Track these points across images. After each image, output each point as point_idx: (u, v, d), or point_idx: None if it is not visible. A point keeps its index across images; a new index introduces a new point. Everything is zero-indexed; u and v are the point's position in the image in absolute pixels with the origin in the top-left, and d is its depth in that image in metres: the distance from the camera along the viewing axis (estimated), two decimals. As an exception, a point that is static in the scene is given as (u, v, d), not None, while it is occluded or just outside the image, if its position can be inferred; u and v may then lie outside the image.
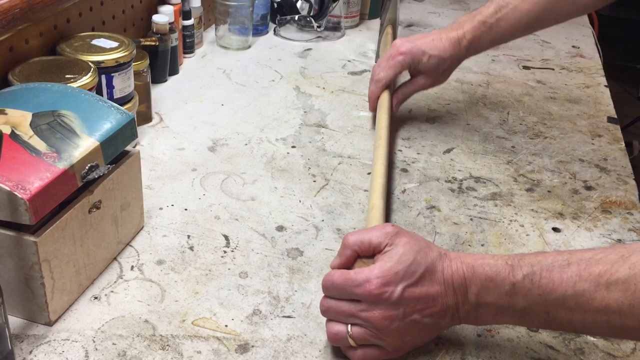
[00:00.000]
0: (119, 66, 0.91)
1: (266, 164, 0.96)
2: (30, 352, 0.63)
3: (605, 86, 1.31)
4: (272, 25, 1.48)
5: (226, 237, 0.80)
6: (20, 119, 0.67)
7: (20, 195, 0.59)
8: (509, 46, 1.48)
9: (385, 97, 1.06)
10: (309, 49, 1.40)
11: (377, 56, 1.34)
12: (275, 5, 1.47)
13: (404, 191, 0.92)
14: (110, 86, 0.92)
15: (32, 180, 0.61)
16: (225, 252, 0.78)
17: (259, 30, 1.44)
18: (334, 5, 1.44)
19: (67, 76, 0.83)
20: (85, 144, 0.67)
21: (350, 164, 0.98)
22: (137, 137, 0.77)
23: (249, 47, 1.37)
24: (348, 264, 0.64)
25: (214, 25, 1.39)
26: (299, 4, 1.46)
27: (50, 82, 0.78)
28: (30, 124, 0.67)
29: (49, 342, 0.64)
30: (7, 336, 0.56)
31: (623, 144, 1.09)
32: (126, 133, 0.73)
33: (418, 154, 1.02)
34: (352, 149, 1.02)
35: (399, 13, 1.44)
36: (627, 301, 0.53)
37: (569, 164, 1.02)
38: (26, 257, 0.62)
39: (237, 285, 0.73)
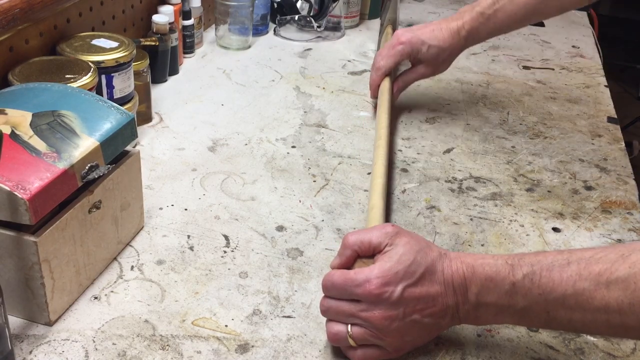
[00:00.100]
0: (119, 66, 0.91)
1: (266, 164, 0.96)
2: (30, 352, 0.63)
3: (605, 86, 1.31)
4: (272, 25, 1.48)
5: (226, 237, 0.80)
6: (20, 119, 0.67)
7: (20, 195, 0.59)
8: (509, 46, 1.48)
9: (386, 88, 1.07)
10: (309, 49, 1.40)
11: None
12: (275, 5, 1.47)
13: (404, 191, 0.92)
14: (110, 86, 0.92)
15: (32, 180, 0.61)
16: (225, 252, 0.78)
17: (259, 30, 1.44)
18: (334, 5, 1.44)
19: (67, 76, 0.83)
20: (85, 144, 0.67)
21: (350, 164, 0.98)
22: (137, 137, 0.77)
23: (249, 47, 1.37)
24: (348, 264, 0.64)
25: (214, 25, 1.39)
26: (299, 4, 1.46)
27: (50, 82, 0.78)
28: (30, 124, 0.67)
29: (49, 342, 0.64)
30: (7, 336, 0.56)
31: (623, 144, 1.09)
32: (126, 133, 0.73)
33: (418, 154, 1.02)
34: (352, 149, 1.02)
35: (399, 13, 1.44)
36: (627, 300, 0.53)
37: (569, 164, 1.02)
38: (26, 257, 0.62)
39: (237, 285, 0.73)
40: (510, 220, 0.87)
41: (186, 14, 1.23)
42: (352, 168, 0.97)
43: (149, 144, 0.99)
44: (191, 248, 0.78)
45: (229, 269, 0.75)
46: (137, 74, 0.99)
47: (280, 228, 0.83)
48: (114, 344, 0.64)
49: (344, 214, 0.86)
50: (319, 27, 1.44)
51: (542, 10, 1.05)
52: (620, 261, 0.54)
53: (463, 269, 0.61)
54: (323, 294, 0.64)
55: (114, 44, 0.94)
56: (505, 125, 1.13)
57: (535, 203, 0.91)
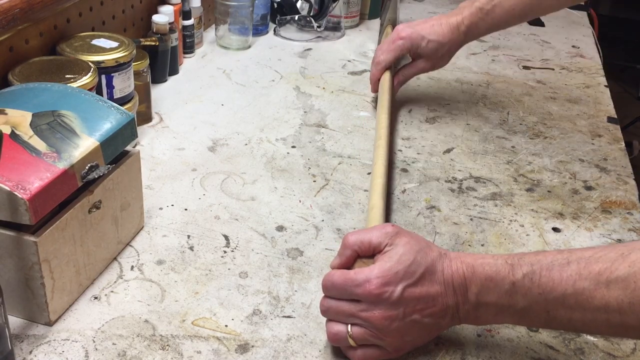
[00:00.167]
0: (119, 66, 0.91)
1: (266, 164, 0.96)
2: (30, 352, 0.63)
3: (605, 86, 1.31)
4: (272, 25, 1.48)
5: (226, 237, 0.80)
6: (20, 119, 0.67)
7: (20, 195, 0.59)
8: (509, 46, 1.48)
9: (386, 83, 1.08)
10: (309, 49, 1.40)
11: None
12: (275, 5, 1.47)
13: (404, 191, 0.92)
14: (110, 86, 0.92)
15: (32, 180, 0.61)
16: (225, 252, 0.78)
17: (259, 30, 1.44)
18: (334, 5, 1.44)
19: (67, 76, 0.83)
20: (85, 144, 0.67)
21: (350, 164, 0.98)
22: (137, 137, 0.77)
23: (249, 47, 1.37)
24: (348, 264, 0.64)
25: (214, 25, 1.39)
26: (299, 4, 1.46)
27: (50, 82, 0.78)
28: (30, 124, 0.67)
29: (49, 342, 0.64)
30: (7, 336, 0.56)
31: (623, 144, 1.09)
32: (126, 133, 0.73)
33: (418, 154, 1.02)
34: (352, 149, 1.02)
35: (399, 13, 1.44)
36: (627, 299, 0.53)
37: (569, 164, 1.02)
38: (26, 257, 0.62)
39: (237, 285, 0.73)
40: (510, 220, 0.87)
41: (186, 14, 1.23)
42: (352, 168, 0.97)
43: (149, 144, 0.99)
44: (191, 248, 0.78)
45: (229, 269, 0.75)
46: (137, 74, 0.99)
47: (280, 228, 0.83)
48: (114, 344, 0.64)
49: (344, 214, 0.86)
50: (319, 27, 1.44)
51: (539, 6, 1.07)
52: (620, 260, 0.54)
53: (463, 269, 0.61)
54: (323, 294, 0.64)
55: (114, 44, 0.94)
56: (505, 125, 1.13)
57: (535, 203, 0.91)
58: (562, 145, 1.07)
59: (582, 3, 1.09)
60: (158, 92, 1.14)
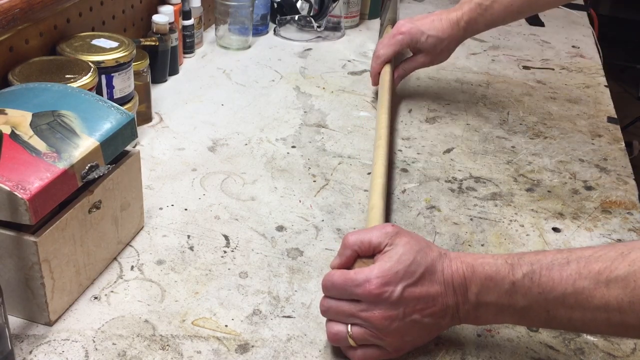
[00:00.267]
0: (119, 66, 0.91)
1: (266, 164, 0.96)
2: (30, 352, 0.63)
3: (605, 86, 1.31)
4: (272, 25, 1.48)
5: (226, 237, 0.80)
6: (20, 119, 0.67)
7: (20, 195, 0.59)
8: (509, 46, 1.48)
9: (386, 79, 1.09)
10: (309, 49, 1.40)
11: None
12: (275, 5, 1.47)
13: (404, 191, 0.92)
14: (110, 86, 0.92)
15: (32, 180, 0.61)
16: (225, 252, 0.78)
17: (259, 30, 1.44)
18: (334, 5, 1.44)
19: (67, 76, 0.83)
20: (85, 144, 0.67)
21: (350, 164, 0.98)
22: (137, 137, 0.77)
23: (249, 47, 1.37)
24: (348, 264, 0.64)
25: (214, 25, 1.39)
26: (299, 4, 1.46)
27: (50, 82, 0.78)
28: (30, 124, 0.67)
29: (49, 342, 0.64)
30: (7, 336, 0.56)
31: (623, 144, 1.09)
32: (126, 133, 0.73)
33: (418, 154, 1.02)
34: (352, 149, 1.02)
35: (399, 13, 1.44)
36: (627, 298, 0.53)
37: (569, 164, 1.02)
38: (26, 257, 0.62)
39: (237, 285, 0.73)
40: (510, 220, 0.87)
41: (186, 14, 1.23)
42: (352, 168, 0.97)
43: (149, 144, 0.99)
44: (191, 248, 0.78)
45: (229, 269, 0.75)
46: (137, 74, 0.99)
47: (280, 228, 0.83)
48: (114, 344, 0.64)
49: (344, 214, 0.86)
50: (319, 27, 1.44)
51: (536, 3, 1.08)
52: (619, 259, 0.54)
53: (463, 269, 0.61)
54: (323, 294, 0.64)
55: (114, 44, 0.94)
56: (505, 125, 1.13)
57: (535, 203, 0.91)
58: (562, 145, 1.07)
59: (592, 10, 1.10)
60: (158, 92, 1.14)
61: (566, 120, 1.15)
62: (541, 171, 0.99)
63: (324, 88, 1.22)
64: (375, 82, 1.15)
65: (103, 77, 0.91)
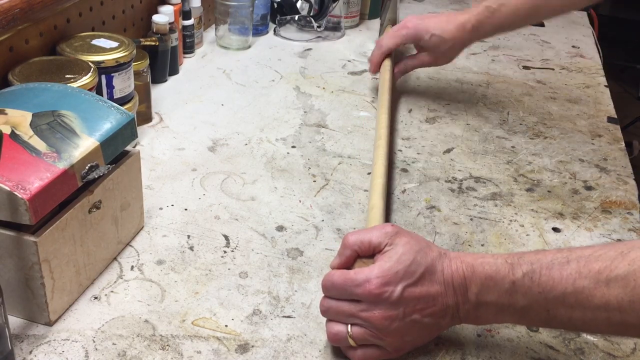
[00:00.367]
0: (119, 66, 0.91)
1: (266, 164, 0.96)
2: (30, 352, 0.63)
3: (605, 86, 1.31)
4: (272, 25, 1.48)
5: (226, 237, 0.80)
6: (20, 119, 0.67)
7: (20, 195, 0.59)
8: (509, 46, 1.48)
9: (386, 86, 1.09)
10: (309, 49, 1.40)
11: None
12: (275, 5, 1.47)
13: (404, 191, 0.92)
14: (110, 86, 0.92)
15: (32, 180, 0.61)
16: (225, 252, 0.78)
17: (259, 30, 1.44)
18: (334, 5, 1.44)
19: (67, 76, 0.83)
20: (85, 144, 0.67)
21: (350, 164, 0.98)
22: (137, 137, 0.77)
23: (249, 47, 1.37)
24: (348, 264, 0.64)
25: (214, 25, 1.39)
26: (299, 4, 1.46)
27: (50, 82, 0.78)
28: (30, 124, 0.67)
29: (49, 342, 0.64)
30: (7, 336, 0.56)
31: (623, 144, 1.09)
32: (126, 133, 0.73)
33: (418, 154, 1.02)
34: (352, 149, 1.02)
35: (399, 13, 1.44)
36: (627, 297, 0.53)
37: (569, 164, 1.02)
38: (26, 257, 0.62)
39: (237, 285, 0.73)
40: (510, 220, 0.87)
41: (186, 14, 1.23)
42: (352, 168, 0.97)
43: (149, 144, 0.99)
44: (191, 248, 0.78)
45: (229, 269, 0.75)
46: (137, 74, 0.99)
47: (280, 228, 0.83)
48: (114, 344, 0.64)
49: (344, 214, 0.86)
50: (319, 27, 1.44)
51: (545, 7, 1.07)
52: (619, 259, 0.54)
53: (463, 269, 0.61)
54: (323, 294, 0.64)
55: (114, 44, 0.94)
56: (505, 125, 1.13)
57: (535, 203, 0.91)
58: (562, 145, 1.07)
59: (589, 4, 1.09)
60: (158, 92, 1.14)
61: (566, 120, 1.15)
62: (541, 171, 0.99)
63: (324, 88, 1.22)
64: (375, 69, 1.16)
65: (103, 77, 0.91)
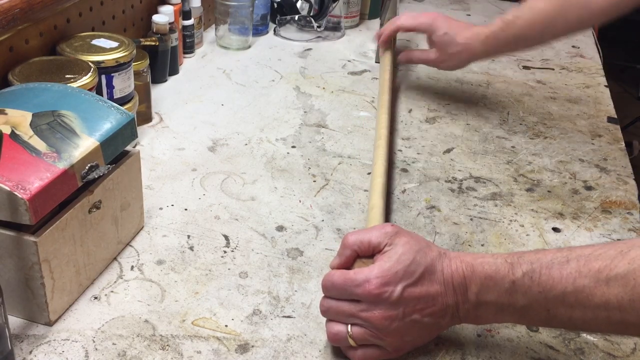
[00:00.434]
0: (119, 66, 0.91)
1: (266, 164, 0.96)
2: (30, 352, 0.63)
3: (605, 86, 1.31)
4: (272, 25, 1.48)
5: (226, 237, 0.80)
6: (20, 119, 0.67)
7: (20, 195, 0.59)
8: (509, 46, 1.48)
9: (386, 87, 1.09)
10: (309, 49, 1.40)
11: (377, 56, 1.34)
12: (275, 5, 1.47)
13: (404, 191, 0.92)
14: (110, 86, 0.92)
15: (32, 180, 0.61)
16: (225, 252, 0.78)
17: (259, 30, 1.44)
18: (334, 5, 1.44)
19: (67, 76, 0.83)
20: (85, 144, 0.67)
21: (350, 164, 0.98)
22: (137, 137, 0.77)
23: (249, 47, 1.37)
24: (348, 264, 0.64)
25: (214, 25, 1.39)
26: (299, 4, 1.46)
27: (50, 82, 0.78)
28: (30, 124, 0.67)
29: (49, 342, 0.64)
30: (7, 336, 0.56)
31: (623, 144, 1.09)
32: (126, 133, 0.73)
33: (418, 154, 1.02)
34: (352, 149, 1.02)
35: (399, 13, 1.44)
36: (627, 296, 0.53)
37: (569, 164, 1.02)
38: (26, 257, 0.62)
39: (237, 285, 0.73)
40: (510, 220, 0.87)
41: (186, 14, 1.23)
42: (352, 168, 0.97)
43: (149, 144, 0.99)
44: (191, 248, 0.78)
45: (229, 269, 0.75)
46: (137, 74, 0.99)
47: (280, 228, 0.83)
48: (114, 344, 0.64)
49: (344, 214, 0.86)
50: (319, 27, 1.44)
51: (560, 21, 1.03)
52: (619, 257, 0.54)
53: (463, 268, 0.61)
54: (323, 294, 0.64)
55: (114, 44, 0.94)
56: (505, 125, 1.13)
57: (535, 203, 0.91)
58: (562, 145, 1.07)
59: (606, 21, 1.06)
60: (158, 92, 1.14)
61: (566, 120, 1.15)
62: (541, 171, 0.99)
63: (324, 88, 1.22)
64: (385, 44, 1.17)
65: (103, 77, 0.91)
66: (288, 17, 1.46)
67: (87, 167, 0.66)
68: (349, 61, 1.35)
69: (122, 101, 0.94)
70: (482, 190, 0.93)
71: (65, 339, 0.64)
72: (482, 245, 0.82)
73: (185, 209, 0.85)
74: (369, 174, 0.95)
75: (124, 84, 0.93)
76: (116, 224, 0.74)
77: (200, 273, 0.74)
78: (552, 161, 1.02)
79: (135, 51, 0.95)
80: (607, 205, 0.92)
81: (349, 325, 0.62)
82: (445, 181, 0.95)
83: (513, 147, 1.06)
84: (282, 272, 0.75)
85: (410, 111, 1.16)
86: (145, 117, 1.05)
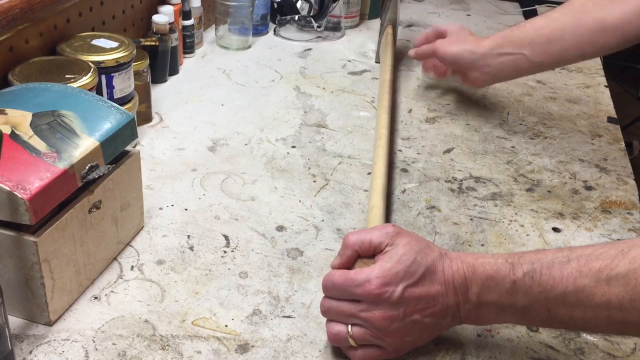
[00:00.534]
0: (119, 66, 0.91)
1: (266, 164, 0.96)
2: (30, 352, 0.63)
3: (605, 86, 1.31)
4: (272, 25, 1.48)
5: (226, 237, 0.80)
6: (20, 119, 0.67)
7: (20, 195, 0.59)
8: (509, 46, 1.48)
9: (386, 87, 1.09)
10: (309, 49, 1.40)
11: (377, 56, 1.34)
12: (275, 5, 1.47)
13: (404, 191, 0.92)
14: (110, 86, 0.92)
15: (32, 180, 0.61)
16: (225, 252, 0.78)
17: (259, 30, 1.44)
18: (334, 5, 1.44)
19: (67, 76, 0.83)
20: (85, 144, 0.67)
21: (350, 164, 0.98)
22: (137, 137, 0.77)
23: (249, 47, 1.37)
24: (348, 264, 0.64)
25: (214, 25, 1.39)
26: (299, 4, 1.46)
27: (50, 82, 0.78)
28: (30, 124, 0.67)
29: (49, 342, 0.64)
30: (7, 336, 0.56)
31: (623, 144, 1.09)
32: (126, 133, 0.73)
33: (418, 154, 1.02)
34: (352, 149, 1.02)
35: (399, 13, 1.44)
36: (628, 296, 0.53)
37: (569, 164, 1.02)
38: (26, 257, 0.62)
39: (237, 285, 0.73)
40: (510, 220, 0.87)
41: (186, 14, 1.23)
42: (352, 168, 0.97)
43: (149, 144, 0.99)
44: (191, 248, 0.78)
45: (229, 269, 0.75)
46: (137, 74, 0.99)
47: (280, 228, 0.83)
48: (114, 344, 0.64)
49: (344, 214, 0.86)
50: (319, 27, 1.44)
51: (570, 29, 0.98)
52: (620, 257, 0.54)
53: (463, 269, 0.61)
54: (323, 294, 0.64)
55: (114, 44, 0.94)
56: (505, 125, 1.13)
57: (535, 203, 0.91)
58: (562, 145, 1.07)
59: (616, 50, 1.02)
60: (158, 92, 1.14)
61: (566, 120, 1.15)
62: (541, 171, 0.99)
63: (324, 88, 1.22)
64: (418, 55, 1.15)
65: (103, 77, 0.90)
66: (288, 17, 1.46)
67: (87, 167, 0.66)
68: (349, 61, 1.35)
69: (122, 101, 0.94)
70: (482, 190, 0.93)
71: (65, 339, 0.64)
72: (482, 245, 0.82)
73: (185, 209, 0.85)
74: (369, 174, 0.95)
75: (124, 84, 0.93)
76: (116, 224, 0.74)
77: (200, 273, 0.74)
78: (552, 161, 1.02)
79: (135, 51, 0.95)
80: (607, 205, 0.92)
81: (350, 326, 0.62)
82: (445, 181, 0.95)
83: (513, 147, 1.06)
84: (282, 272, 0.75)
85: (410, 111, 1.16)
86: (145, 117, 1.05)
